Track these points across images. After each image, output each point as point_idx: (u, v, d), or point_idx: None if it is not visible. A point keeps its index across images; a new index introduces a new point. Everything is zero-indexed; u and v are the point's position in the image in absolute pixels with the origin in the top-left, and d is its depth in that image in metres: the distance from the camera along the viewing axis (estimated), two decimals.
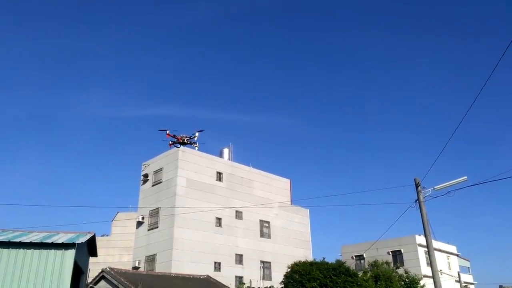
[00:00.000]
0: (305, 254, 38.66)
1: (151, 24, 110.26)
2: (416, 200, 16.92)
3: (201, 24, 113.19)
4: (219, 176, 35.89)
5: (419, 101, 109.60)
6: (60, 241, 14.18)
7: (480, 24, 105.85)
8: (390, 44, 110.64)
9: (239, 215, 35.76)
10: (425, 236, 16.91)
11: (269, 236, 37.46)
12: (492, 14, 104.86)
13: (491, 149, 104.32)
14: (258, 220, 37.17)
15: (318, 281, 22.31)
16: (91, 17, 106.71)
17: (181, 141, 30.22)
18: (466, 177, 16.19)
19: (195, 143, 30.53)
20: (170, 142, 30.29)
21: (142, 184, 36.33)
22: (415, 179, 17.14)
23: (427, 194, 16.72)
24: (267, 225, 37.69)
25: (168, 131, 29.80)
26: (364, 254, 44.16)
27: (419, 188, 16.82)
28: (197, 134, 30.12)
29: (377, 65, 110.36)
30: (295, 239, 39.52)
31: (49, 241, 14.15)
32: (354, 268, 37.92)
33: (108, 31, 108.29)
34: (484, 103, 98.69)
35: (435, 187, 16.54)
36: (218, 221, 34.18)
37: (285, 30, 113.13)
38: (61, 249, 14.03)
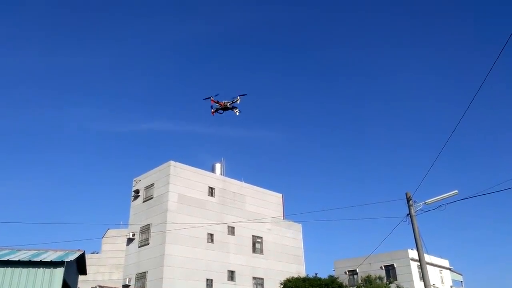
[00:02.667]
0: (298, 269, 38.37)
1: (146, 40, 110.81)
2: (407, 214, 16.99)
3: (194, 41, 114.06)
4: (211, 191, 35.72)
5: (410, 114, 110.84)
6: (48, 259, 13.97)
7: (472, 35, 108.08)
8: (380, 57, 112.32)
9: (231, 230, 35.51)
10: (417, 250, 16.92)
11: (261, 252, 37.18)
12: (484, 26, 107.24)
13: (483, 162, 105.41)
14: (251, 236, 36.92)
15: None
16: (85, 31, 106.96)
17: (223, 106, 29.13)
18: (457, 191, 16.33)
19: (236, 108, 29.32)
20: (213, 110, 29.06)
21: (133, 200, 36.00)
22: (406, 193, 17.23)
23: (419, 208, 16.80)
24: (259, 240, 37.44)
25: (212, 97, 28.69)
26: (357, 269, 43.96)
27: (410, 202, 16.90)
28: (239, 98, 29.00)
29: (367, 79, 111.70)
30: (288, 255, 39.26)
31: (38, 259, 13.94)
32: (347, 283, 37.67)
33: (102, 45, 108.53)
34: (475, 116, 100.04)
35: (426, 201, 16.64)
36: (210, 237, 33.88)
37: (278, 46, 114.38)
38: (50, 267, 13.81)
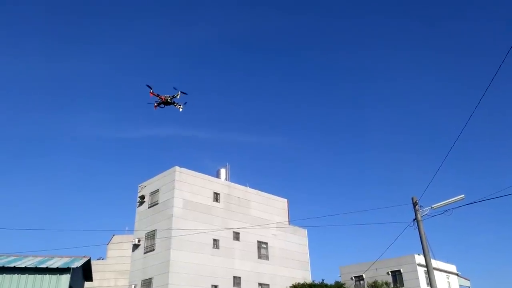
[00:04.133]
0: (304, 275, 38.18)
1: (148, 45, 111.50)
2: (414, 219, 16.89)
3: (197, 46, 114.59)
4: (216, 197, 35.70)
5: (415, 118, 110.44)
6: (54, 266, 14.00)
7: (479, 38, 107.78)
8: (386, 60, 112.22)
9: (236, 236, 35.42)
10: (424, 255, 16.80)
11: (267, 258, 37.05)
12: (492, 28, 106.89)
13: (489, 166, 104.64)
14: (256, 241, 36.81)
15: None
16: (89, 37, 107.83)
17: (164, 100, 28.85)
18: (463, 195, 16.23)
19: (179, 104, 28.96)
20: (155, 104, 28.84)
21: (138, 206, 36.05)
22: (412, 198, 17.14)
23: (425, 213, 16.71)
24: (265, 246, 37.32)
25: (152, 90, 28.34)
26: (364, 275, 43.65)
27: (416, 207, 16.81)
28: (179, 93, 28.73)
29: (370, 83, 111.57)
30: (294, 260, 39.08)
31: (44, 266, 13.97)
32: None
33: (106, 51, 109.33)
34: (482, 119, 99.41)
35: (433, 206, 16.55)
36: (216, 242, 33.82)
37: (279, 51, 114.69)
38: (56, 274, 13.84)
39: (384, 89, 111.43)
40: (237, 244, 35.25)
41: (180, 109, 28.72)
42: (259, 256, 36.57)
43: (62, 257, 15.60)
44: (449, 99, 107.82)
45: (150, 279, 31.56)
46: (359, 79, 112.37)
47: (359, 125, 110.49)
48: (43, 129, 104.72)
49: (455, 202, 16.30)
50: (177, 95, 28.22)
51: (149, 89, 27.96)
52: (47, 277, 13.74)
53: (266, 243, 37.47)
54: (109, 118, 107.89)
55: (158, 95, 27.97)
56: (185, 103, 28.69)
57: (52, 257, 15.43)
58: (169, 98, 28.28)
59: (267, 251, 37.27)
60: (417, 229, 16.79)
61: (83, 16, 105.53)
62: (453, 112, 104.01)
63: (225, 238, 34.51)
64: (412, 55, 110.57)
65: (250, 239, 36.30)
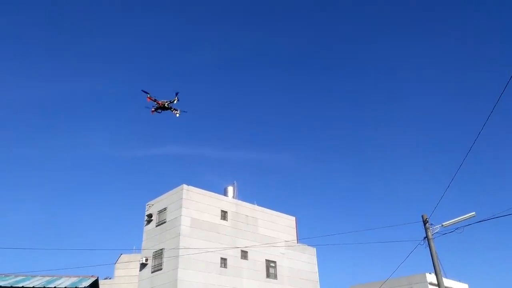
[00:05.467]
0: None
1: (154, 65, 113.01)
2: (424, 238, 16.65)
3: (202, 66, 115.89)
4: (224, 215, 35.53)
5: (423, 133, 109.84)
6: (62, 286, 13.95)
7: (489, 56, 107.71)
8: (390, 72, 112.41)
9: (244, 255, 35.08)
10: (436, 274, 16.50)
11: (275, 277, 36.53)
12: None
13: (501, 182, 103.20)
14: (264, 260, 36.39)
15: None
16: (97, 58, 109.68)
17: (162, 105, 28.65)
18: (474, 213, 16.02)
19: (176, 109, 28.76)
20: (152, 109, 28.64)
21: (146, 225, 35.95)
22: (422, 216, 16.94)
23: (436, 231, 16.49)
24: (273, 265, 36.86)
25: (149, 95, 28.16)
26: None
27: (427, 225, 16.60)
28: (176, 97, 28.56)
29: (379, 97, 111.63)
30: (303, 280, 38.49)
31: (52, 285, 13.93)
32: None
33: (115, 72, 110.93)
34: (492, 135, 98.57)
35: (443, 223, 16.33)
36: (223, 261, 33.50)
37: (286, 70, 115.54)
38: None
39: (394, 106, 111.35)
40: (245, 263, 34.87)
41: (177, 115, 28.70)
42: (268, 275, 36.09)
43: (70, 276, 15.54)
44: (460, 113, 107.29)
45: None
46: (366, 94, 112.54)
47: (368, 142, 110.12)
48: (54, 148, 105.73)
49: (466, 219, 16.08)
50: (174, 100, 28.31)
51: (146, 94, 28.03)
52: None
53: (274, 262, 37.01)
54: (117, 137, 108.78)
55: (155, 100, 28.03)
56: (185, 111, 28.74)
57: (60, 277, 15.38)
58: (166, 103, 28.34)
59: (275, 270, 36.78)
60: (428, 247, 16.54)
61: (96, 37, 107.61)
62: (464, 126, 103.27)
63: (233, 257, 34.18)
64: (418, 71, 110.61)
65: (258, 258, 35.90)
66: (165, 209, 34.55)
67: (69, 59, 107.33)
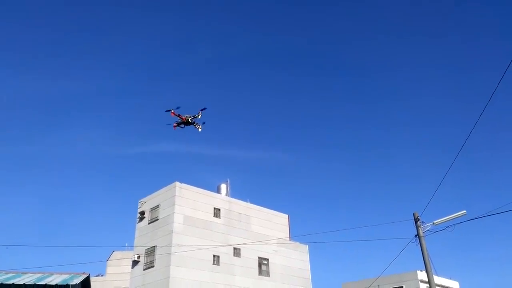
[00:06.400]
0: None
1: (150, 63, 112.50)
2: (416, 235, 16.79)
3: (197, 64, 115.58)
4: (217, 212, 35.53)
5: (416, 132, 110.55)
6: (54, 283, 13.87)
7: (477, 56, 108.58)
8: (385, 73, 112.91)
9: (237, 252, 35.12)
10: (427, 272, 16.66)
11: (268, 274, 36.63)
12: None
13: (493, 180, 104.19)
14: (257, 257, 36.47)
15: None
16: (88, 55, 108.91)
17: (185, 120, 28.54)
18: (465, 211, 16.18)
19: (198, 124, 28.75)
20: (174, 124, 28.49)
21: (138, 222, 35.85)
22: (414, 214, 17.08)
23: (427, 229, 16.63)
24: (266, 262, 36.96)
25: (173, 110, 28.12)
26: None
27: (418, 223, 16.74)
28: (200, 112, 28.51)
29: (372, 103, 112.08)
30: (295, 277, 38.64)
31: (43, 282, 13.85)
32: None
33: (108, 70, 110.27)
34: (484, 133, 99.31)
35: (435, 221, 16.48)
36: (216, 259, 33.51)
37: (281, 68, 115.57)
38: None
39: (387, 105, 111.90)
40: (238, 261, 34.92)
41: (199, 129, 28.79)
42: (260, 273, 36.18)
43: (61, 273, 15.47)
44: (454, 108, 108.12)
45: None
46: (363, 93, 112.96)
47: (360, 140, 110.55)
48: (45, 145, 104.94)
49: (457, 217, 16.24)
50: (198, 115, 28.30)
51: (170, 112, 27.92)
52: None
53: (267, 259, 37.11)
54: (109, 135, 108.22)
55: (179, 115, 27.98)
56: (204, 123, 28.75)
57: (51, 274, 15.30)
58: (189, 118, 28.28)
59: (268, 268, 36.88)
60: (419, 245, 16.68)
61: (82, 32, 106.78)
62: (456, 123, 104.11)
63: (226, 254, 34.21)
64: (417, 64, 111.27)
65: (250, 255, 35.97)
66: (157, 206, 34.47)
67: (58, 56, 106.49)
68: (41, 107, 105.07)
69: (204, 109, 28.73)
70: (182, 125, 28.55)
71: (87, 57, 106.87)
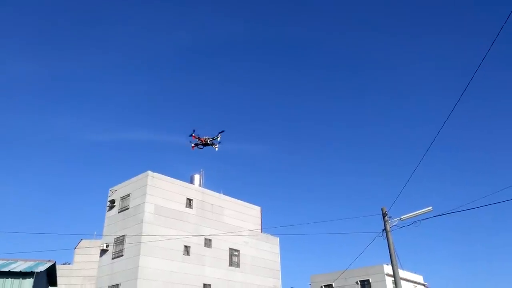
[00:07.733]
0: (275, 283, 38.18)
1: (128, 50, 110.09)
2: (383, 230, 17.22)
3: (178, 52, 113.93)
4: (189, 203, 35.35)
5: (387, 128, 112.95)
6: (17, 270, 13.53)
7: (444, 53, 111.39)
8: (365, 77, 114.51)
9: (208, 243, 35.12)
10: (392, 265, 17.13)
11: (238, 265, 36.85)
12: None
13: (460, 178, 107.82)
14: (228, 249, 36.58)
15: None
16: (67, 40, 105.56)
17: (204, 142, 29.75)
18: (431, 207, 16.69)
19: (215, 144, 30.07)
20: (193, 144, 29.54)
21: (108, 210, 35.26)
22: (382, 209, 17.49)
23: (394, 224, 17.07)
24: (236, 253, 37.13)
25: (194, 133, 29.38)
26: (333, 284, 44.04)
27: (386, 218, 17.16)
28: (219, 135, 29.75)
29: (345, 93, 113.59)
30: (265, 268, 39.03)
31: (6, 269, 13.48)
32: None
33: (85, 55, 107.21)
34: (453, 132, 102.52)
35: (401, 217, 16.93)
36: (186, 249, 33.41)
37: (261, 58, 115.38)
38: (19, 278, 13.37)
39: (360, 102, 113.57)
40: (209, 251, 34.94)
41: (216, 149, 29.96)
42: (230, 264, 36.34)
43: (26, 260, 15.08)
44: (423, 104, 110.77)
45: (118, 285, 30.82)
46: (343, 89, 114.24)
47: (332, 134, 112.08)
48: (13, 132, 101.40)
49: (423, 213, 16.75)
50: (217, 137, 29.43)
51: (191, 135, 29.17)
52: (9, 280, 13.25)
53: (237, 251, 37.29)
54: (81, 121, 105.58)
55: (199, 138, 29.33)
56: (220, 142, 29.89)
57: (16, 261, 14.90)
58: (209, 140, 29.35)
59: (238, 259, 37.08)
60: (386, 240, 17.12)
61: (65, 18, 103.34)
62: (427, 120, 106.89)
63: (197, 245, 34.15)
64: (396, 63, 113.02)
65: (221, 246, 36.05)
66: (128, 195, 33.99)
67: (37, 37, 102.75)
68: (13, 90, 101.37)
69: (223, 131, 30.23)
70: (201, 146, 30.10)
71: (64, 39, 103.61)
